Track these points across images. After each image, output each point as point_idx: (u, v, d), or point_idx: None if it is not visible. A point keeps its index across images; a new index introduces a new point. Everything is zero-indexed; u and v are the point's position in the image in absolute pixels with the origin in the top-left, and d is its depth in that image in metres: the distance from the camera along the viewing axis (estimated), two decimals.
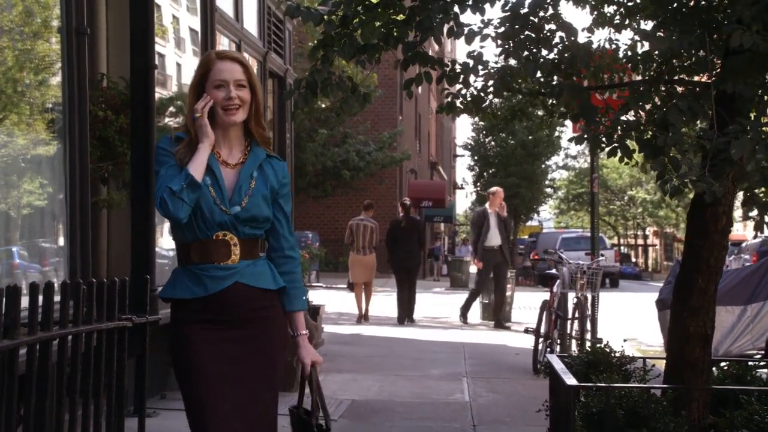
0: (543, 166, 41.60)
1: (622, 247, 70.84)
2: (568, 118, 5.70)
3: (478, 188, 42.98)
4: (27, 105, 6.18)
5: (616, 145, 5.19)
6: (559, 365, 5.63)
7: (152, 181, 6.93)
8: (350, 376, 9.80)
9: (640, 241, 79.03)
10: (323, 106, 24.78)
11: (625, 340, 11.27)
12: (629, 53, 7.29)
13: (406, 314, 16.35)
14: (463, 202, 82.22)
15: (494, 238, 15.91)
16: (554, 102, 6.61)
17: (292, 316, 3.69)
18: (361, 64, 4.96)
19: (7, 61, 5.94)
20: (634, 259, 71.89)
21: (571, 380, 5.04)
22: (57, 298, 4.10)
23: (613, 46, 7.16)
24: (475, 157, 41.97)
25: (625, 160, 5.30)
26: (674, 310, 5.42)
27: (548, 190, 46.62)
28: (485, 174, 41.75)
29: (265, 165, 3.65)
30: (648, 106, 5.81)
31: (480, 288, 16.48)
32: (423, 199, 38.41)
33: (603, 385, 5.02)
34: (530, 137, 39.06)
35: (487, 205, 16.23)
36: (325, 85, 4.88)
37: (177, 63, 9.24)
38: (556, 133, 40.70)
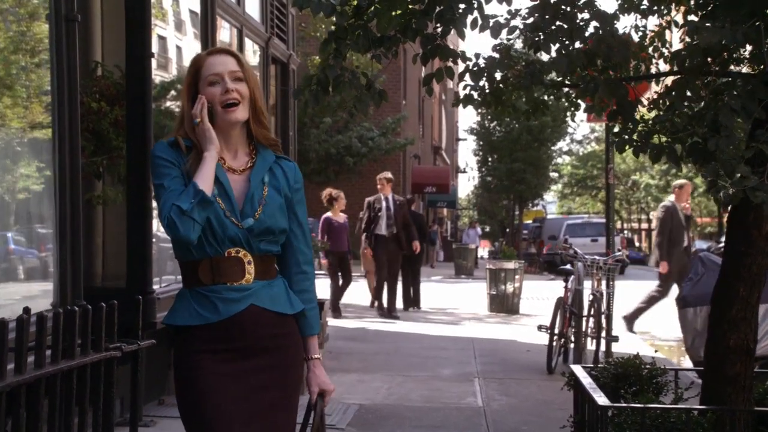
0: (549, 151, 41.04)
1: (624, 232, 70.39)
2: (604, 116, 5.25)
3: (483, 173, 42.48)
4: (21, 88, 5.78)
5: (639, 145, 4.78)
6: (586, 379, 5.23)
7: (148, 176, 6.53)
8: (357, 376, 9.41)
9: (644, 226, 78.58)
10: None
11: (634, 332, 10.83)
12: (655, 41, 6.86)
13: (410, 302, 17.10)
14: (466, 186, 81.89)
15: (683, 239, 13.48)
16: (575, 96, 6.18)
17: (306, 339, 3.30)
18: (377, 58, 4.52)
19: None
20: (637, 244, 71.45)
21: (602, 399, 4.64)
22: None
23: (640, 33, 6.75)
24: (480, 143, 41.44)
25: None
26: (713, 321, 5.01)
27: (553, 174, 46.15)
28: (490, 159, 41.21)
29: (275, 168, 3.24)
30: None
31: (663, 296, 13.68)
32: (427, 185, 37.97)
33: (639, 405, 4.61)
34: (536, 122, 38.50)
35: (672, 198, 13.74)
36: (338, 83, 4.44)
37: (177, 46, 8.89)
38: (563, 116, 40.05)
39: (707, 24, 4.10)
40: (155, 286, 7.04)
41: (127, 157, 6.86)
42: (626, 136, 5.22)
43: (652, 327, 15.02)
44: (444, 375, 9.72)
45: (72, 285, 5.43)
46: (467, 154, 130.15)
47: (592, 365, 5.74)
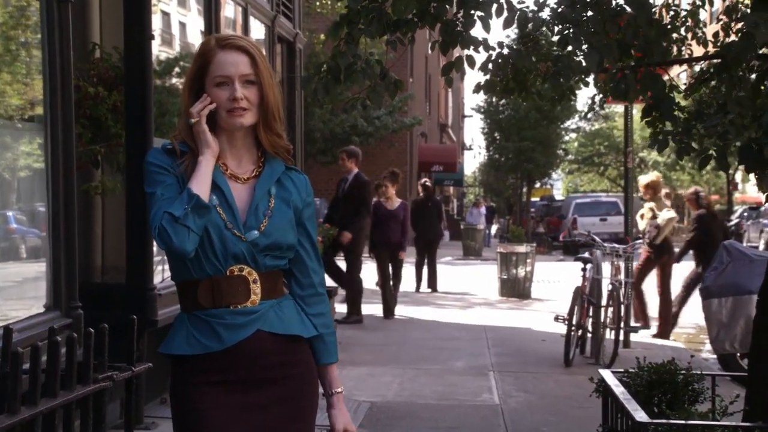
0: (558, 129, 40.44)
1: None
2: (640, 112, 4.86)
3: (491, 152, 41.96)
4: (21, 65, 5.42)
5: (683, 146, 4.40)
6: (618, 388, 4.87)
7: None
8: (366, 369, 9.05)
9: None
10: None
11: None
12: (688, 20, 6.47)
13: (420, 282, 17.29)
14: (472, 163, 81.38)
15: None
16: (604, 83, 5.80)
17: (324, 369, 2.91)
18: (392, 44, 4.11)
19: None
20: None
21: (641, 415, 4.27)
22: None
23: (672, 13, 6.37)
24: (488, 121, 40.87)
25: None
26: (758, 327, 4.66)
27: (560, 152, 45.54)
28: (497, 135, 40.61)
29: (284, 179, 2.85)
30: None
31: None
32: (434, 163, 37.60)
33: (680, 422, 4.24)
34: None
35: None
36: (350, 72, 4.03)
37: (180, 22, 8.58)
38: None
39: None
40: (157, 279, 6.69)
41: (127, 145, 6.49)
42: (660, 131, 4.85)
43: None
44: (457, 368, 9.36)
45: (66, 286, 5.07)
46: (473, 130, 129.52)
47: (622, 370, 5.35)
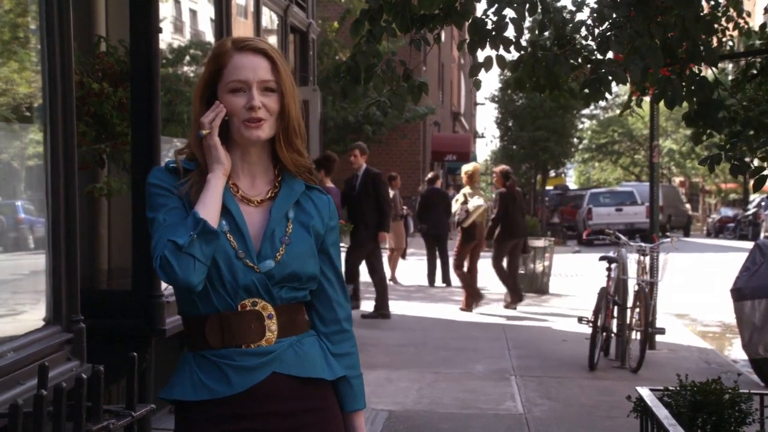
0: (573, 119, 39.80)
1: None
2: (683, 118, 4.50)
3: (506, 142, 41.42)
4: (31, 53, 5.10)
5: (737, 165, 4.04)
6: (661, 411, 4.52)
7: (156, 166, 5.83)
8: (384, 373, 8.70)
9: None
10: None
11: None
12: (729, 10, 6.15)
13: (434, 277, 17.14)
14: (484, 150, 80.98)
15: None
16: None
17: (350, 416, 2.56)
18: (416, 44, 3.76)
19: None
20: None
21: None
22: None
23: (711, 3, 6.01)
24: (502, 110, 40.28)
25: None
26: None
27: (574, 140, 44.96)
28: (511, 124, 40.04)
29: (303, 201, 2.50)
30: None
31: None
32: (447, 153, 37.17)
33: None
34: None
35: None
36: (371, 74, 3.68)
37: (191, 9, 8.47)
38: None
39: None
40: (164, 285, 6.35)
41: (133, 144, 6.15)
42: (702, 131, 4.49)
43: (691, 310, 14.27)
44: (477, 372, 9.00)
45: (67, 298, 4.72)
46: (486, 118, 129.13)
47: (662, 388, 5.00)
